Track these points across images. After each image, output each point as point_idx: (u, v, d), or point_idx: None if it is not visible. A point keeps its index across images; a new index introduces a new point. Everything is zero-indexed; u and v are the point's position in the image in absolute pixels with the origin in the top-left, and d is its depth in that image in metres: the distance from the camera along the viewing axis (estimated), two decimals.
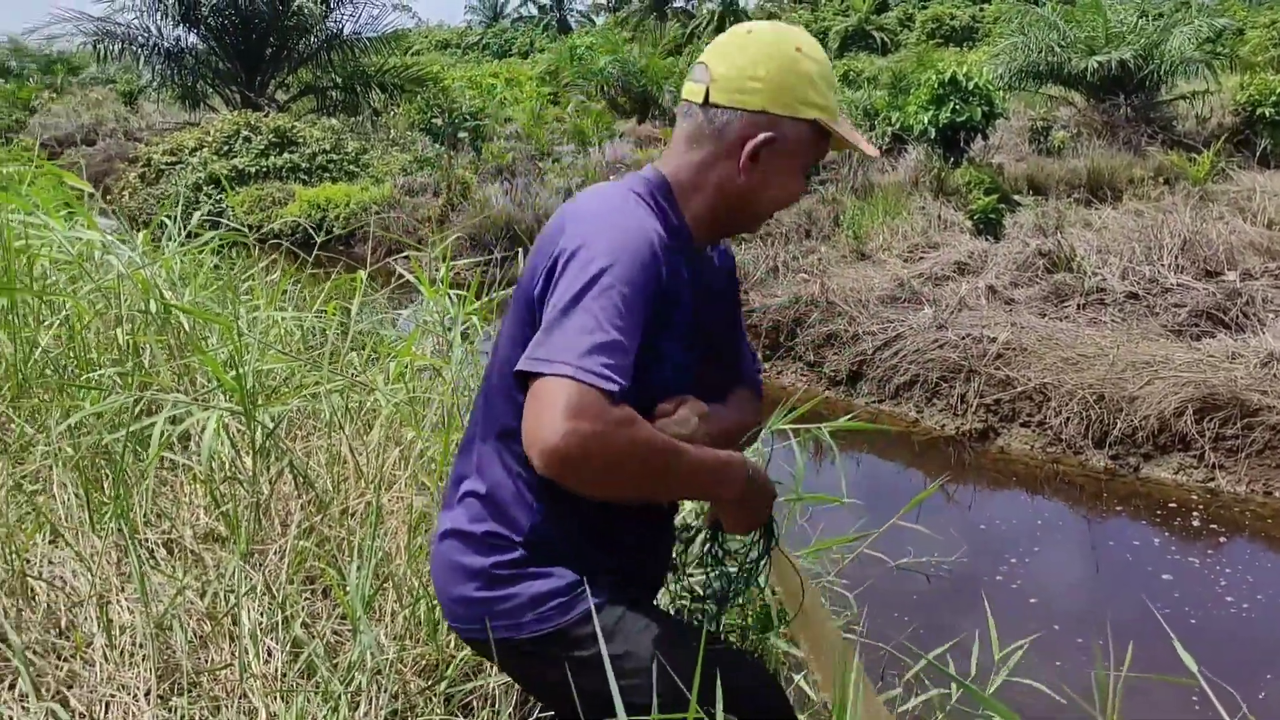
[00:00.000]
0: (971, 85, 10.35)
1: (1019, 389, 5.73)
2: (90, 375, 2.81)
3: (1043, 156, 11.97)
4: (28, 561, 2.14)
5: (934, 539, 3.80)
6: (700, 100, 1.49)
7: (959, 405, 5.91)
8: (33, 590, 2.10)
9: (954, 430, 5.81)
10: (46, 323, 3.07)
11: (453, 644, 2.18)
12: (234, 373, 2.48)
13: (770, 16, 35.77)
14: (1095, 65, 12.54)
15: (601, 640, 1.26)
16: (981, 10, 26.05)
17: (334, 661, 2.06)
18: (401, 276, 3.86)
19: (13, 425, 2.72)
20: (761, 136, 1.46)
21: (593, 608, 1.39)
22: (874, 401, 6.31)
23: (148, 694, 1.91)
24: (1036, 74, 13.62)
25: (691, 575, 2.02)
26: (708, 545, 1.78)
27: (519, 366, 1.28)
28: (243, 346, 2.57)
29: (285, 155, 14.35)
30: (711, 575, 1.78)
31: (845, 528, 3.34)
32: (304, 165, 14.26)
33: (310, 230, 8.16)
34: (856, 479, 5.15)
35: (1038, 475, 5.32)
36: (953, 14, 24.42)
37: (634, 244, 1.35)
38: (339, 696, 1.90)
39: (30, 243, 3.25)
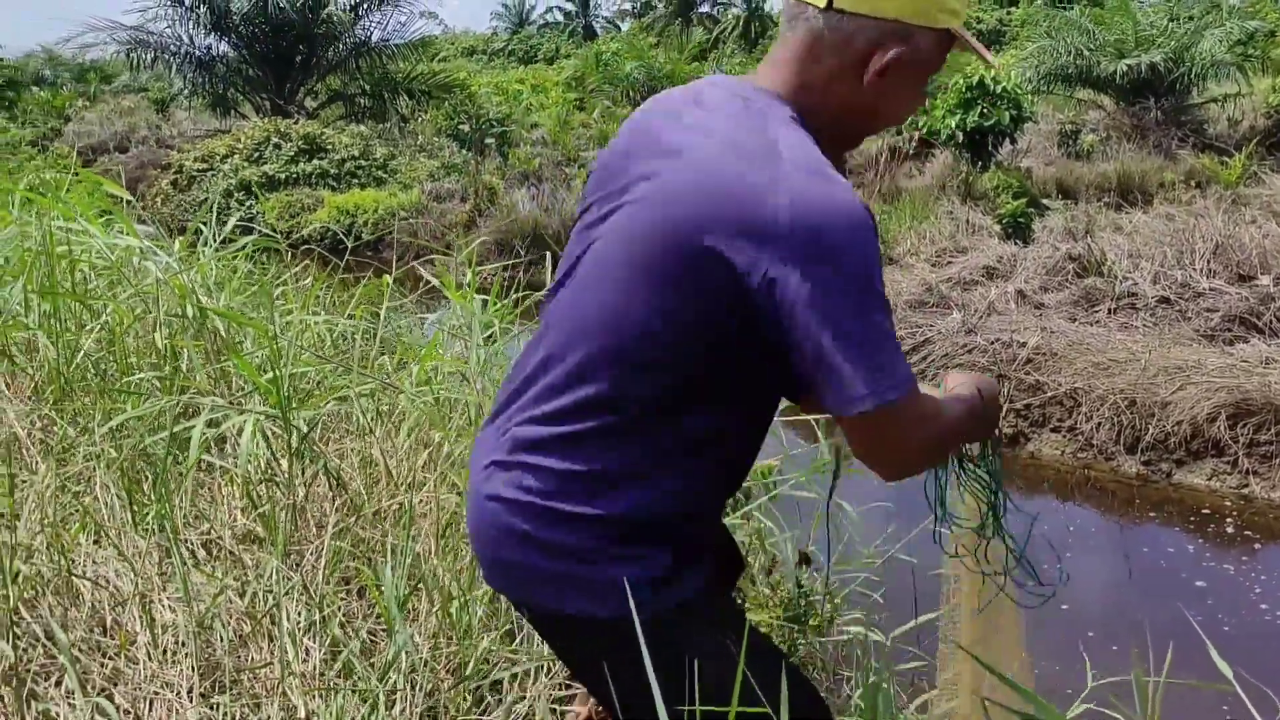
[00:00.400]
0: (999, 89, 10.32)
1: (1049, 394, 5.71)
2: (130, 379, 2.86)
3: (1072, 160, 11.91)
4: (72, 561, 2.18)
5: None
6: (821, 3, 1.28)
7: None
8: (77, 589, 2.14)
9: None
10: (88, 327, 3.12)
11: (485, 642, 2.21)
12: (269, 376, 2.51)
13: None
14: (1125, 68, 12.46)
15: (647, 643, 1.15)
16: (1009, 14, 25.89)
17: (370, 661, 2.09)
18: (429, 281, 3.89)
19: (55, 428, 2.77)
20: (894, 51, 1.29)
21: (685, 597, 1.34)
22: None
23: (190, 691, 1.95)
24: (1065, 77, 13.54)
25: None
26: (959, 468, 1.75)
27: (836, 410, 1.21)
28: (279, 351, 2.60)
29: (315, 162, 14.49)
30: (980, 491, 1.76)
31: (875, 531, 3.35)
32: (333, 171, 14.38)
33: (341, 235, 8.23)
34: (883, 484, 5.14)
35: (1069, 481, 5.29)
36: (979, 17, 24.31)
37: (861, 215, 1.19)
38: (376, 695, 1.93)
39: (71, 248, 3.31)
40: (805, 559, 3.22)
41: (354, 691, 1.97)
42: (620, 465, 1.32)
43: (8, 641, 1.92)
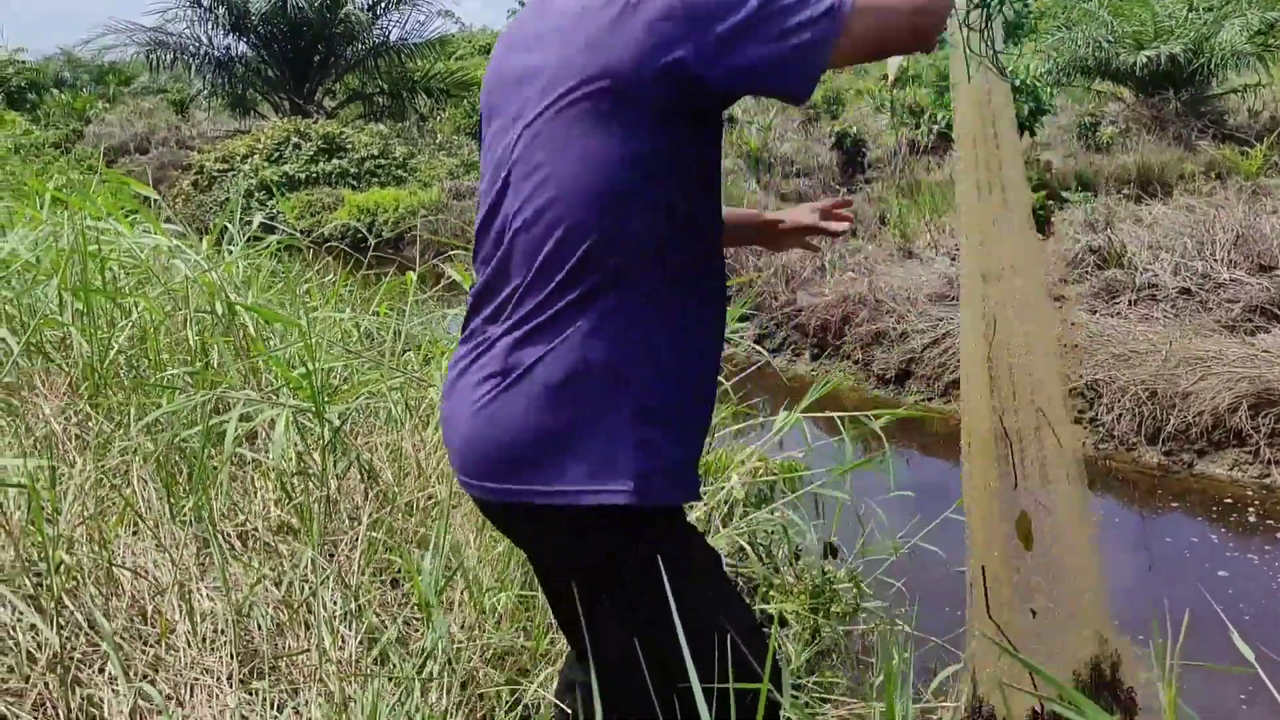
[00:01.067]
0: (1018, 81, 10.28)
1: (1070, 386, 5.70)
2: (163, 375, 2.91)
3: (1091, 152, 11.85)
4: (113, 552, 2.23)
5: None
6: None
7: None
8: (118, 579, 2.19)
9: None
10: (119, 325, 3.18)
11: (523, 636, 2.25)
12: (301, 371, 2.56)
13: None
14: (1144, 60, 12.38)
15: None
16: (1027, 6, 25.78)
17: (406, 649, 2.13)
18: (451, 278, 3.94)
19: (91, 423, 2.83)
20: None
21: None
22: (923, 399, 6.31)
23: (230, 677, 2.00)
24: (1084, 69, 13.47)
25: None
26: None
27: (819, 71, 1.29)
28: (312, 346, 2.65)
29: (334, 161, 14.57)
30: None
31: (896, 522, 3.36)
32: (353, 171, 14.46)
33: (364, 232, 8.30)
34: (907, 475, 5.15)
35: (1090, 472, 5.29)
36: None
37: None
38: (412, 683, 1.97)
39: (101, 247, 3.36)
40: (831, 550, 3.24)
41: (390, 679, 2.01)
42: (616, 327, 1.35)
43: (53, 630, 1.97)
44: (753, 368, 3.90)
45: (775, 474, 3.23)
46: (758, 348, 5.81)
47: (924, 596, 3.26)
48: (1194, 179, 10.19)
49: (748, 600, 2.78)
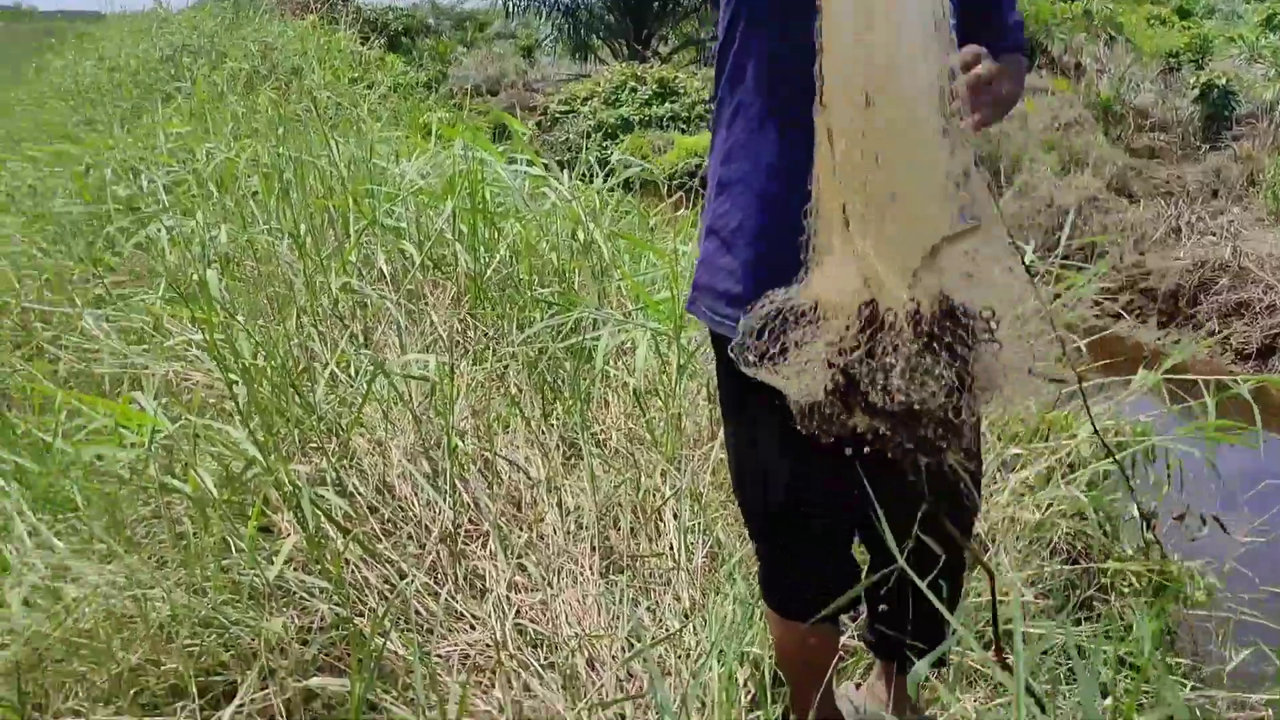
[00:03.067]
0: None
1: None
2: (537, 293, 3.18)
3: None
4: (495, 446, 2.50)
5: None
6: None
7: None
8: (498, 470, 2.45)
9: None
10: (494, 246, 3.48)
11: None
12: (664, 296, 2.72)
13: None
14: None
15: None
16: None
17: (751, 569, 2.23)
18: None
19: (470, 331, 3.14)
20: None
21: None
22: None
23: (592, 568, 2.19)
24: None
25: None
26: None
27: None
28: (677, 274, 2.81)
29: (667, 105, 14.97)
30: None
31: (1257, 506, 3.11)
32: (684, 114, 14.80)
33: (693, 171, 8.51)
34: (1270, 462, 4.72)
35: None
36: None
37: None
38: (751, 604, 2.07)
39: (484, 175, 3.68)
40: (1147, 519, 2.99)
41: (733, 598, 2.11)
42: (714, 155, 1.65)
43: (448, 505, 2.24)
44: (1099, 334, 3.67)
45: (1124, 436, 3.06)
46: (1097, 311, 5.49)
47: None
48: None
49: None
